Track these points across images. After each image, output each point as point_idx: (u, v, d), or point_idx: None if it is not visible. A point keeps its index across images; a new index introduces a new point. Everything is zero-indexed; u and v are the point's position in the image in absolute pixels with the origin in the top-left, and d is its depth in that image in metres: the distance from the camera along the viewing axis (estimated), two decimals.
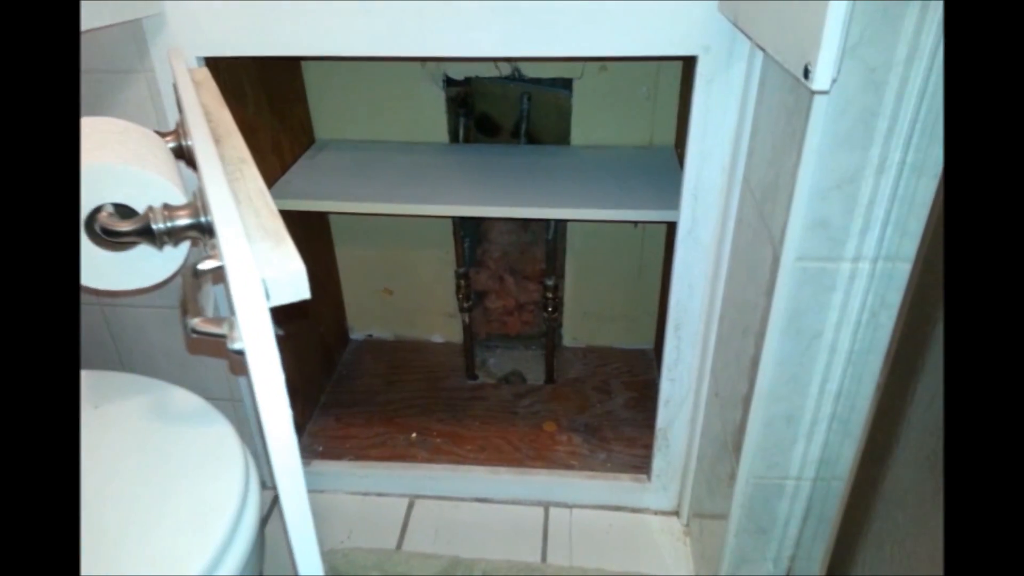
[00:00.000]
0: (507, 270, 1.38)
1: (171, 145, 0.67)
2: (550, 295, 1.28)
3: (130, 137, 0.58)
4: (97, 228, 0.51)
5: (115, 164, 0.52)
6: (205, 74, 0.70)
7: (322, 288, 1.34)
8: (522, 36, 0.72)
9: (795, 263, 0.58)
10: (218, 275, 0.44)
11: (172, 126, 0.82)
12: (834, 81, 0.42)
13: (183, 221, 0.50)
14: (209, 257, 0.42)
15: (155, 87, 0.80)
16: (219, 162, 0.44)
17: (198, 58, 0.78)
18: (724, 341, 0.84)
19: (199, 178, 0.46)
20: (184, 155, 0.67)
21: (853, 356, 0.61)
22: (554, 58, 0.78)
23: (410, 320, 1.47)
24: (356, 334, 1.50)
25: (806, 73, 0.43)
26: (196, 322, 0.38)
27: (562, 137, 1.22)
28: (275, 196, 1.01)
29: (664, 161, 1.12)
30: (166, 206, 0.51)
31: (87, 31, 0.66)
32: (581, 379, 1.36)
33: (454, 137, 1.24)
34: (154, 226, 0.50)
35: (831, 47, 0.41)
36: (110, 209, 0.52)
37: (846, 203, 0.55)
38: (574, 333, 1.45)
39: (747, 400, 0.70)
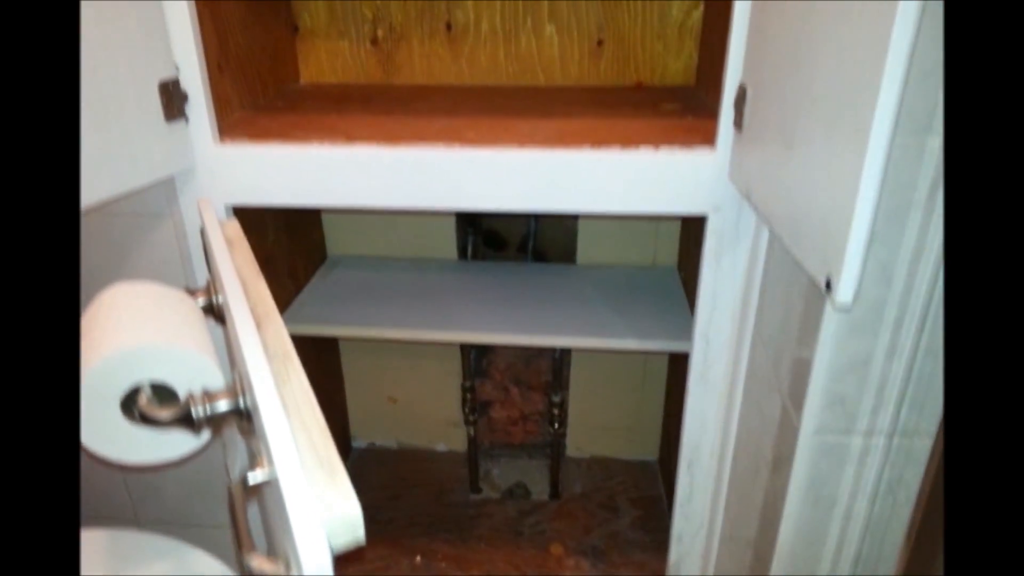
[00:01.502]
0: (512, 381, 1.39)
1: (202, 303, 0.68)
2: (556, 411, 1.28)
3: (166, 306, 0.60)
4: (136, 413, 0.52)
5: (154, 344, 0.53)
6: (236, 230, 0.72)
7: (328, 400, 1.34)
8: (543, 194, 0.76)
9: (813, 436, 0.60)
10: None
11: (196, 267, 0.84)
12: (856, 295, 0.45)
13: (223, 406, 0.51)
14: (256, 464, 0.42)
15: (182, 230, 0.82)
16: (266, 361, 0.46)
17: (226, 206, 0.81)
18: (737, 481, 0.84)
19: (246, 375, 0.48)
20: (215, 312, 0.69)
21: (871, 525, 0.62)
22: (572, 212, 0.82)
23: (414, 428, 1.47)
24: (359, 442, 1.49)
25: (828, 285, 0.46)
26: (256, 564, 0.38)
27: (568, 254, 1.25)
28: (290, 321, 1.02)
29: (667, 283, 1.15)
30: (206, 392, 0.52)
31: (127, 193, 0.69)
32: (586, 494, 1.34)
33: (462, 253, 1.27)
34: (194, 414, 0.50)
35: (854, 263, 0.44)
36: (149, 392, 0.53)
37: (860, 383, 0.57)
38: (578, 443, 1.44)
39: (760, 549, 0.70)
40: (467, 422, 1.35)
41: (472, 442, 1.36)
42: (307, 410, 0.43)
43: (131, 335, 0.54)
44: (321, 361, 1.30)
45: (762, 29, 0.63)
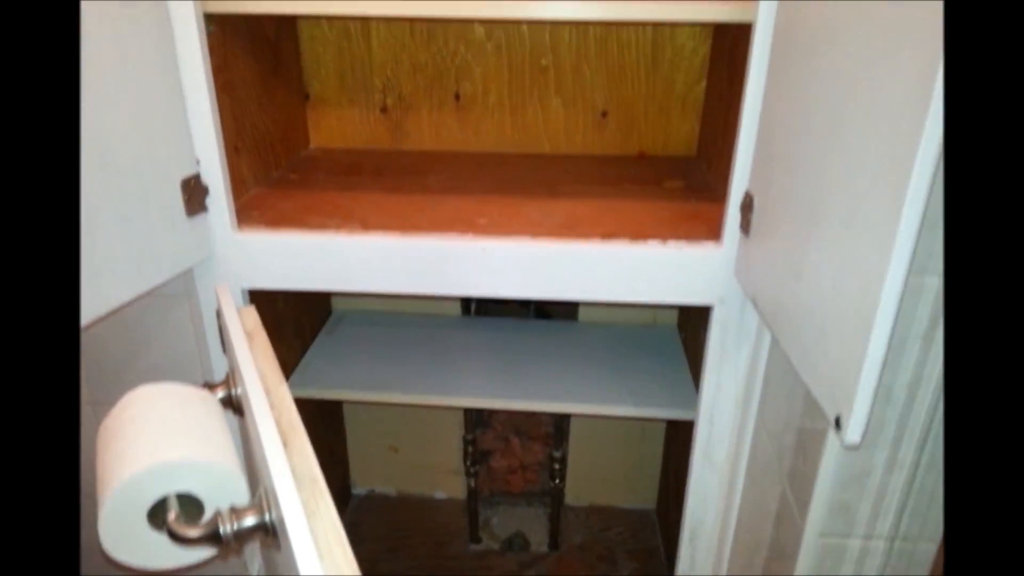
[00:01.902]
0: (513, 431, 1.40)
1: (221, 395, 0.70)
2: (557, 466, 1.30)
3: (191, 412, 0.61)
4: (165, 530, 0.53)
5: (184, 459, 0.55)
6: (255, 320, 0.74)
7: (329, 451, 1.35)
8: (554, 284, 0.78)
9: (817, 538, 0.62)
10: None
11: (211, 347, 0.86)
12: (864, 433, 0.47)
13: (250, 522, 0.53)
14: None
15: (197, 311, 0.84)
16: (296, 492, 0.47)
17: (243, 289, 0.82)
18: (738, 558, 0.86)
19: (273, 497, 0.49)
20: (233, 404, 0.70)
21: None
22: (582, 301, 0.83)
23: (413, 476, 1.48)
24: (358, 489, 1.50)
25: (837, 423, 0.48)
26: None
27: (570, 311, 1.27)
28: (297, 385, 1.04)
29: (668, 343, 1.17)
30: (233, 509, 0.53)
31: (150, 290, 0.70)
32: (585, 546, 1.36)
33: (466, 309, 1.29)
34: (222, 531, 0.52)
35: (864, 407, 0.47)
36: (176, 507, 0.54)
37: (862, 492, 0.59)
38: (577, 492, 1.46)
39: None
40: (468, 473, 1.36)
41: (472, 493, 1.37)
42: (338, 548, 0.44)
43: (160, 448, 0.55)
44: (323, 409, 1.31)
45: (769, 141, 0.66)
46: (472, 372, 1.08)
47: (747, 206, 0.69)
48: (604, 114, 1.10)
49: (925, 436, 0.56)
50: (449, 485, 1.48)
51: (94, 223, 0.62)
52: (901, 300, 0.44)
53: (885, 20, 0.44)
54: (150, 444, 0.56)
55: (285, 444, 0.54)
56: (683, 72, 1.05)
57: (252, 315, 0.76)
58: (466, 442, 1.33)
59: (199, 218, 0.75)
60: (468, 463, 1.35)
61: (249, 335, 0.72)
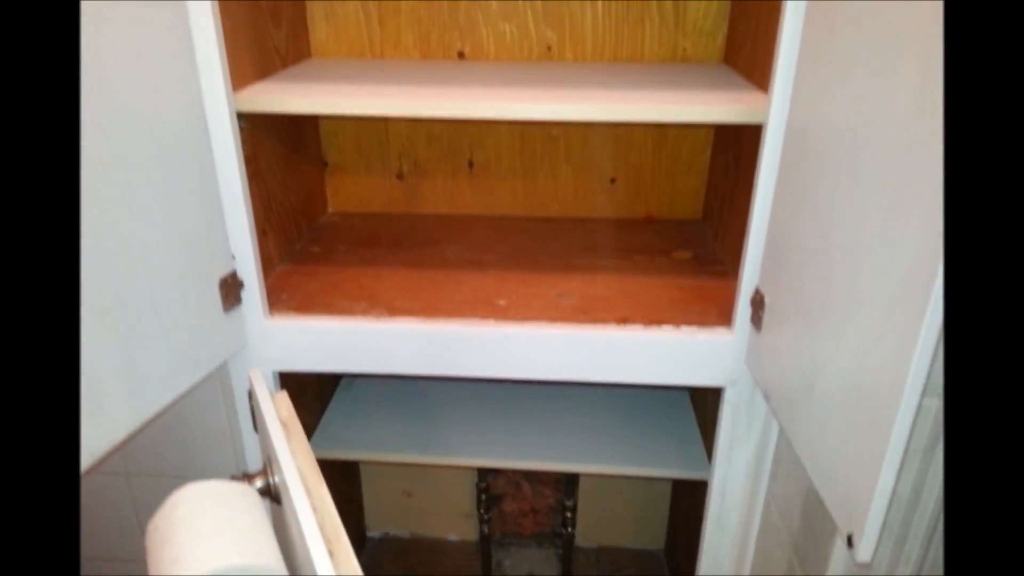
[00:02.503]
0: (523, 477, 1.44)
1: (259, 484, 0.73)
2: (568, 514, 1.33)
3: (236, 511, 0.65)
4: None
5: (236, 565, 0.58)
6: (288, 410, 0.77)
7: (345, 496, 1.38)
8: (571, 366, 0.82)
9: None
10: None
11: (242, 426, 0.89)
12: (875, 551, 0.51)
13: None
14: None
15: (229, 390, 0.87)
16: None
17: (274, 372, 0.86)
18: None
19: None
20: (271, 492, 0.73)
21: None
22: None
23: (427, 520, 1.51)
24: (373, 532, 1.53)
25: (849, 540, 0.52)
26: None
27: None
28: (319, 446, 1.07)
29: (677, 401, 1.21)
30: None
31: (190, 389, 0.74)
32: None
33: None
34: None
35: (875, 527, 0.50)
36: None
37: None
38: (586, 534, 1.49)
39: None
40: (481, 520, 1.39)
41: (484, 538, 1.41)
42: None
43: (216, 554, 0.59)
44: (341, 462, 1.34)
45: (780, 240, 0.70)
46: (484, 431, 1.11)
47: (758, 303, 0.73)
48: (612, 180, 1.13)
49: (930, 536, 0.60)
50: (462, 528, 1.51)
51: (137, 331, 0.66)
52: (912, 427, 0.48)
53: (906, 130, 0.48)
54: (205, 548, 0.60)
55: (331, 554, 0.58)
56: (689, 142, 1.09)
57: (286, 403, 0.80)
58: (479, 488, 1.37)
59: (234, 311, 0.78)
60: (480, 508, 1.39)
61: (284, 425, 0.75)
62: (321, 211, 1.16)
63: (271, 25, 0.90)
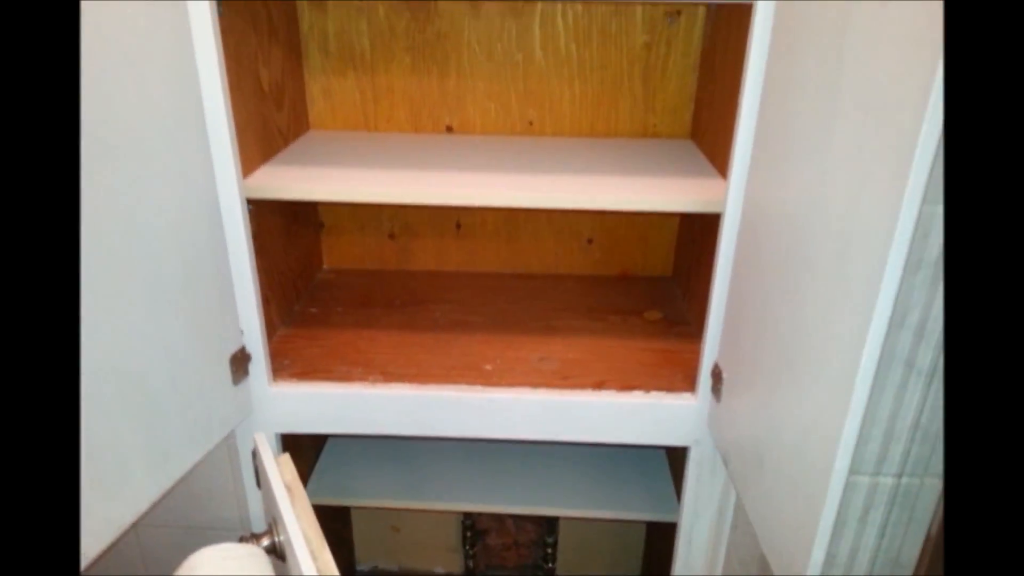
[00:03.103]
0: (507, 513, 1.51)
1: (266, 543, 0.80)
2: (549, 550, 1.41)
3: (247, 572, 0.72)
4: None
5: None
6: (292, 473, 0.84)
7: (335, 532, 1.44)
8: (551, 428, 0.90)
9: None
10: None
11: (246, 484, 0.96)
12: None
13: None
14: None
15: (234, 449, 0.94)
16: None
17: (276, 434, 0.92)
18: None
19: None
20: (276, 550, 0.80)
21: None
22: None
23: (415, 553, 1.57)
24: (362, 565, 1.59)
25: None
26: None
27: None
28: (314, 493, 1.13)
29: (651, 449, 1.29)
30: None
31: (202, 458, 0.80)
32: None
33: None
34: None
35: None
36: None
37: None
38: (567, 567, 1.57)
39: None
40: (466, 555, 1.46)
41: (469, 569, 1.48)
42: None
43: None
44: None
45: (736, 320, 0.78)
46: (468, 477, 1.18)
47: (717, 376, 0.82)
48: (590, 240, 1.22)
49: None
50: (448, 561, 1.58)
51: (158, 409, 0.72)
52: (843, 503, 0.57)
53: (836, 248, 0.57)
54: None
55: None
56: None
57: (289, 466, 0.87)
58: (464, 524, 1.44)
59: (242, 383, 0.85)
60: (466, 543, 1.46)
61: (288, 488, 0.82)
62: (317, 268, 1.23)
63: (274, 109, 0.98)
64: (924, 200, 0.49)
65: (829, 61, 0.56)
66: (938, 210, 0.52)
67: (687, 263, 1.14)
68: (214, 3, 0.72)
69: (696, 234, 1.07)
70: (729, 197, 0.79)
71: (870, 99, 0.51)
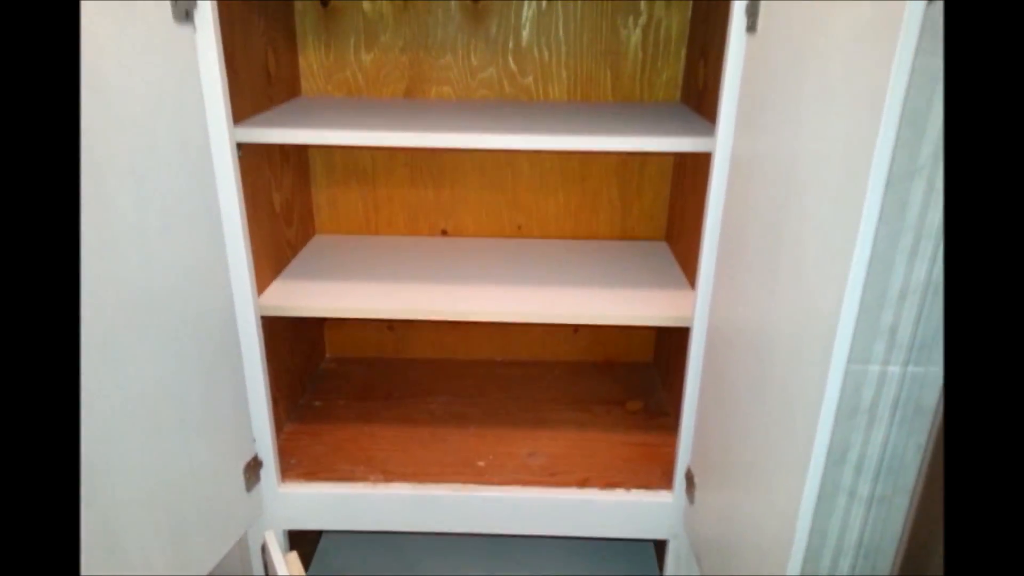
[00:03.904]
0: None
1: None
2: None
3: None
4: None
5: None
6: (299, 570, 0.91)
7: None
8: (540, 522, 0.97)
9: None
10: None
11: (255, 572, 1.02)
12: None
13: None
14: None
15: (244, 542, 1.00)
16: None
17: (284, 531, 0.99)
18: None
19: None
20: None
21: None
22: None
23: None
24: None
25: None
26: None
27: None
28: (314, 572, 1.19)
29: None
30: None
31: (222, 560, 0.87)
32: None
33: None
34: None
35: None
36: None
37: None
38: None
39: None
40: None
41: None
42: None
43: None
44: None
45: (704, 433, 0.87)
46: (461, 568, 1.24)
47: (690, 479, 0.90)
48: (576, 329, 1.31)
49: None
50: None
51: (182, 519, 0.79)
52: None
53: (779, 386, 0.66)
54: None
55: None
56: None
57: (296, 565, 0.93)
58: None
59: (255, 489, 0.93)
60: None
61: None
62: (320, 358, 1.31)
63: (284, 226, 1.07)
64: (849, 359, 0.58)
65: (773, 211, 0.66)
66: (869, 368, 0.61)
67: (666, 351, 1.22)
68: (235, 150, 0.82)
69: (672, 328, 1.16)
70: (696, 313, 0.88)
71: (805, 250, 0.60)
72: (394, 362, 1.32)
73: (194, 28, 0.73)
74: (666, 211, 1.22)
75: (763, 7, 0.67)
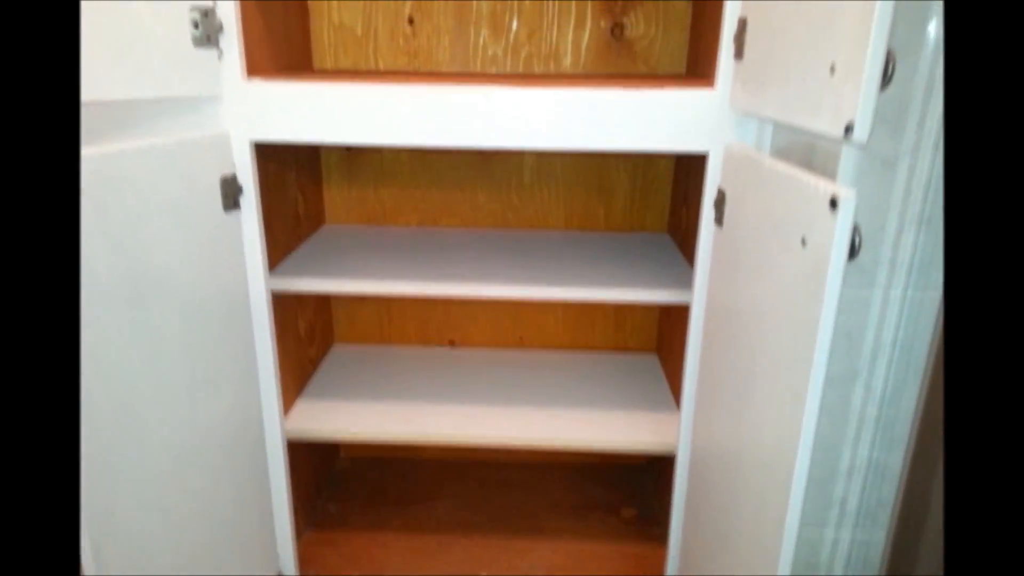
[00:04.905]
0: None
1: None
2: None
3: None
4: None
5: None
6: None
7: None
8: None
9: None
10: None
11: None
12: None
13: None
14: None
15: None
16: None
17: None
18: None
19: None
20: None
21: None
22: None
23: None
24: None
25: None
26: None
27: None
28: None
29: None
30: None
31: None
32: None
33: None
34: None
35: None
36: None
37: None
38: None
39: None
40: None
41: None
42: None
43: None
44: None
45: (691, 548, 0.95)
46: None
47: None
48: None
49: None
50: None
51: None
52: None
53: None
54: None
55: None
56: None
57: None
58: None
59: None
60: None
61: None
62: (335, 457, 1.41)
63: (307, 345, 1.18)
64: (802, 523, 0.67)
65: (745, 353, 0.76)
66: (825, 533, 0.70)
67: (659, 460, 1.31)
68: (270, 297, 0.93)
69: None
70: (680, 439, 0.97)
71: (773, 383, 0.70)
72: (404, 462, 1.41)
73: (240, 213, 0.85)
74: (656, 325, 1.33)
75: (727, 208, 0.78)
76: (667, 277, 1.03)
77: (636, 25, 1.15)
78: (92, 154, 0.64)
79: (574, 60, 1.17)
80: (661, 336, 1.30)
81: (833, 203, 0.55)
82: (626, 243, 1.21)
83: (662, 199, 1.25)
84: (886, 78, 0.56)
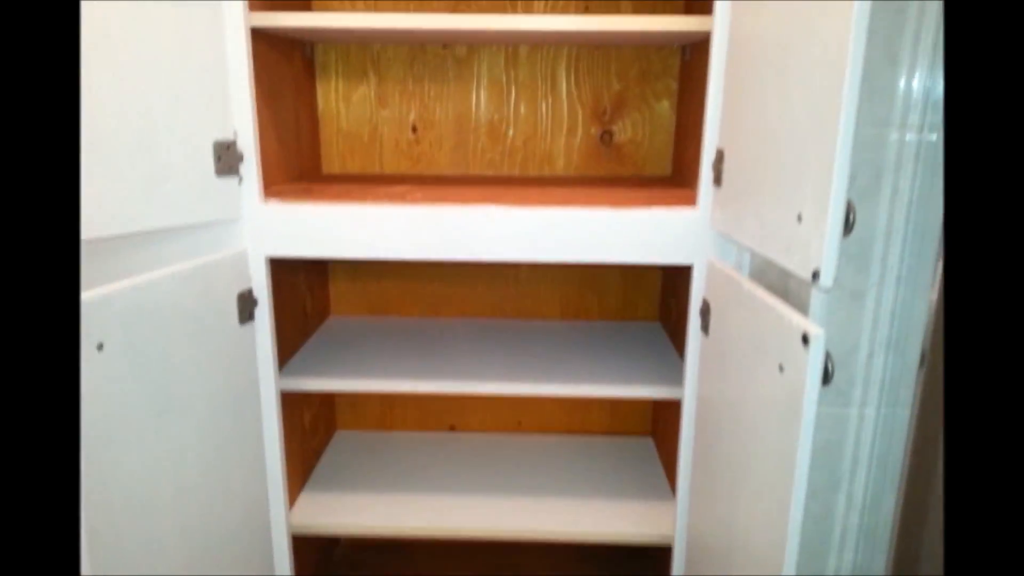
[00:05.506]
0: None
1: None
2: None
3: None
4: None
5: None
6: None
7: None
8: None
9: None
10: None
11: None
12: None
13: None
14: None
15: None
16: None
17: None
18: None
19: None
20: None
21: None
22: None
23: None
24: None
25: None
26: None
27: None
28: None
29: None
30: None
31: None
32: None
33: None
34: None
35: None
36: None
37: None
38: None
39: None
40: None
41: None
42: None
43: None
44: None
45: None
46: None
47: None
48: None
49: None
50: None
51: None
52: None
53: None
54: None
55: None
56: None
57: None
58: None
59: None
60: None
61: None
62: (335, 544, 1.42)
63: (311, 436, 1.21)
64: None
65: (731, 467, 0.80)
66: None
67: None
68: (280, 397, 0.97)
69: None
70: (677, 530, 1.00)
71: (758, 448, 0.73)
72: (403, 547, 1.42)
73: (254, 324, 0.90)
74: (651, 410, 1.37)
75: (712, 319, 0.84)
76: (659, 372, 1.07)
77: (624, 131, 1.23)
78: (124, 288, 0.69)
79: (566, 163, 1.25)
80: (656, 421, 1.34)
81: (805, 339, 0.61)
82: (619, 332, 1.26)
83: (653, 290, 1.31)
84: (848, 226, 0.62)
